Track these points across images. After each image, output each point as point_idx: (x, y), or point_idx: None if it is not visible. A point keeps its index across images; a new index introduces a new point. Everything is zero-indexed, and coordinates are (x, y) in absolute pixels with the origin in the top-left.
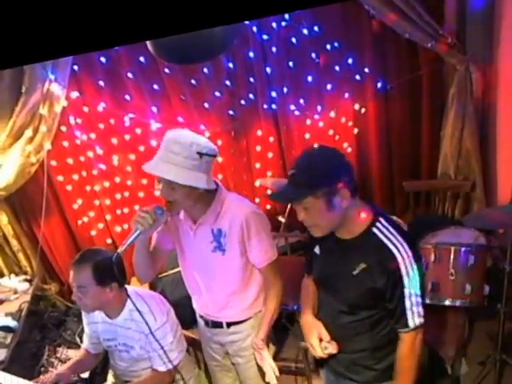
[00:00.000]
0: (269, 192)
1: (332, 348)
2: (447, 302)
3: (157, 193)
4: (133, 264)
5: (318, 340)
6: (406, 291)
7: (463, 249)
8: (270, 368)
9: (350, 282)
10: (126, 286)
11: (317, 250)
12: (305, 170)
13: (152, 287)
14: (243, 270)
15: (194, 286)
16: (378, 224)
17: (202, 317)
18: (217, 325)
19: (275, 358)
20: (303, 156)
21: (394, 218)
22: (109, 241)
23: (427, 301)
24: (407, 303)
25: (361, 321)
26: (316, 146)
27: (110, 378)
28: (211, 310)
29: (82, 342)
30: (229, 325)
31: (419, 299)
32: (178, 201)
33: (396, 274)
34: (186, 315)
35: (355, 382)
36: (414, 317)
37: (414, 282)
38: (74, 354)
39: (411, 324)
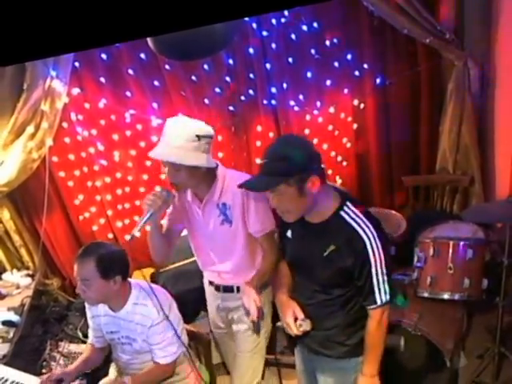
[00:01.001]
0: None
1: (306, 325)
2: (446, 296)
3: (163, 176)
4: (136, 257)
5: (293, 318)
6: (373, 270)
7: (462, 243)
8: (254, 305)
9: (322, 263)
10: (130, 279)
11: (289, 234)
12: (276, 159)
13: (153, 281)
14: (249, 238)
15: (206, 260)
16: (345, 208)
17: (212, 283)
18: (228, 289)
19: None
20: (274, 146)
21: (393, 212)
22: (110, 236)
23: (425, 294)
24: (374, 281)
25: (333, 299)
26: (285, 135)
27: (112, 372)
28: (225, 278)
29: (84, 336)
30: (239, 289)
31: (385, 277)
32: (183, 181)
33: (363, 254)
34: (187, 309)
35: (328, 357)
36: (381, 294)
37: (380, 262)
38: (75, 349)
39: (378, 301)
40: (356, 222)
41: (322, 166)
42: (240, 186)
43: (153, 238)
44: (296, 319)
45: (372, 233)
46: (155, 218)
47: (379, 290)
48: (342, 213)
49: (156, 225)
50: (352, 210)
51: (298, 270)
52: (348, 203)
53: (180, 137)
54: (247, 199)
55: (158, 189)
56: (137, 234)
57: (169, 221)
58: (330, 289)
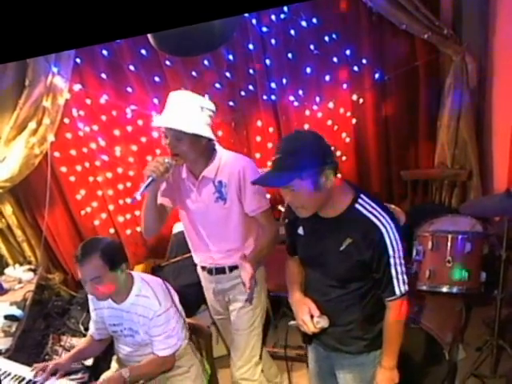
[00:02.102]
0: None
1: (324, 322)
2: (444, 289)
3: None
4: (135, 250)
5: (310, 316)
6: (391, 260)
7: (460, 236)
8: (249, 277)
9: (338, 257)
10: (132, 272)
11: (300, 230)
12: (289, 154)
13: (153, 275)
14: (242, 217)
15: (198, 241)
16: (359, 200)
17: (204, 268)
18: (220, 271)
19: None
20: (286, 141)
21: (392, 206)
22: (111, 230)
23: (424, 288)
24: (393, 272)
25: (350, 293)
26: (297, 130)
27: (114, 365)
28: (215, 259)
29: (85, 330)
30: (231, 269)
31: (403, 267)
32: (185, 151)
33: (381, 245)
34: (188, 303)
35: (347, 353)
36: (400, 284)
37: (398, 251)
38: (78, 342)
39: (397, 291)
40: (372, 213)
41: (336, 159)
42: (254, 183)
43: (148, 209)
44: (312, 317)
45: (389, 223)
46: (154, 189)
47: (398, 280)
48: (357, 205)
49: (155, 194)
50: (367, 202)
51: (312, 266)
52: (362, 195)
53: (183, 106)
54: (244, 180)
55: (161, 156)
56: (138, 197)
57: (161, 197)
58: (347, 283)
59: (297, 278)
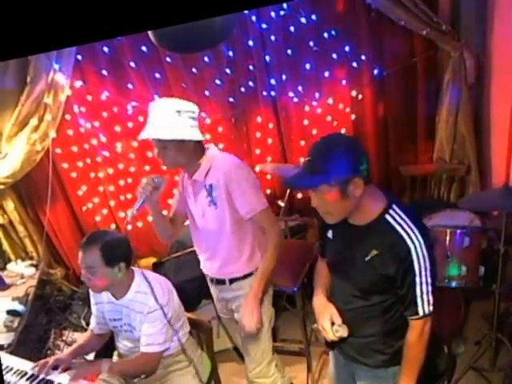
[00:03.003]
0: (268, 176)
1: (343, 331)
2: (443, 283)
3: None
4: (138, 247)
5: (330, 323)
6: (417, 279)
7: (459, 231)
8: (250, 318)
9: (362, 267)
10: (132, 267)
11: (329, 234)
12: (321, 158)
13: (155, 270)
14: (235, 223)
15: (200, 245)
16: (391, 211)
17: (207, 276)
18: (220, 282)
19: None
20: (319, 143)
21: None
22: (113, 226)
23: None
24: (417, 291)
25: (373, 306)
26: (333, 133)
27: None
28: (214, 268)
29: (87, 325)
30: (231, 281)
31: (430, 287)
32: (172, 158)
33: (407, 261)
34: (188, 298)
35: (365, 365)
36: (424, 305)
37: (425, 270)
38: (79, 337)
39: (421, 312)
40: (401, 226)
41: (369, 167)
42: (284, 183)
43: (155, 223)
44: (333, 324)
45: (418, 239)
46: (152, 204)
47: (422, 300)
48: (388, 216)
49: (155, 210)
50: (398, 214)
51: (337, 272)
52: (394, 206)
53: (161, 114)
54: (230, 181)
55: (150, 176)
56: (130, 217)
57: (174, 203)
58: (369, 295)
59: (323, 280)
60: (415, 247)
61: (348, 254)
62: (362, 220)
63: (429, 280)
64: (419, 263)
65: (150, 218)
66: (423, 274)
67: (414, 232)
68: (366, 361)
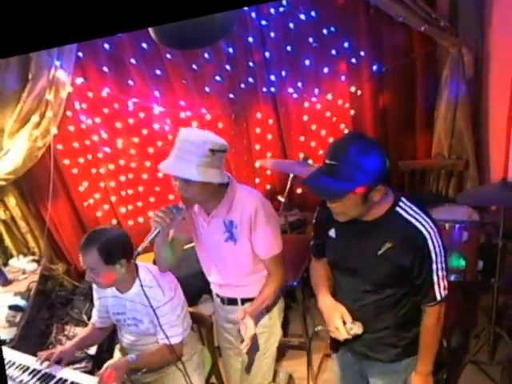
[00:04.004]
0: (268, 172)
1: (357, 329)
2: None
3: (174, 185)
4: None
5: (342, 322)
6: (434, 266)
7: (457, 225)
8: (248, 336)
9: (375, 261)
10: (137, 261)
11: (332, 233)
12: (348, 165)
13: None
14: (253, 257)
15: (209, 269)
16: (401, 203)
17: (218, 295)
18: (232, 302)
19: None
20: (343, 146)
21: None
22: (114, 221)
23: None
24: (435, 278)
25: (384, 299)
26: (353, 134)
27: (117, 354)
28: (226, 290)
29: (88, 319)
30: (243, 301)
31: (444, 272)
32: (194, 196)
33: (424, 250)
34: (190, 292)
35: (379, 361)
36: (441, 290)
37: (440, 257)
38: (81, 332)
39: (438, 297)
40: (415, 218)
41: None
42: (306, 187)
43: (159, 252)
44: (345, 323)
45: (432, 228)
46: (164, 234)
47: (439, 286)
48: (399, 209)
49: (163, 240)
50: (409, 206)
51: (344, 270)
52: (403, 199)
53: (192, 151)
54: (255, 221)
55: (169, 206)
56: (141, 249)
57: (175, 230)
58: (382, 288)
59: (325, 281)
60: (430, 236)
61: (357, 250)
62: (370, 216)
63: (444, 265)
64: (435, 251)
65: (150, 214)
66: (439, 260)
67: (427, 221)
68: (378, 356)
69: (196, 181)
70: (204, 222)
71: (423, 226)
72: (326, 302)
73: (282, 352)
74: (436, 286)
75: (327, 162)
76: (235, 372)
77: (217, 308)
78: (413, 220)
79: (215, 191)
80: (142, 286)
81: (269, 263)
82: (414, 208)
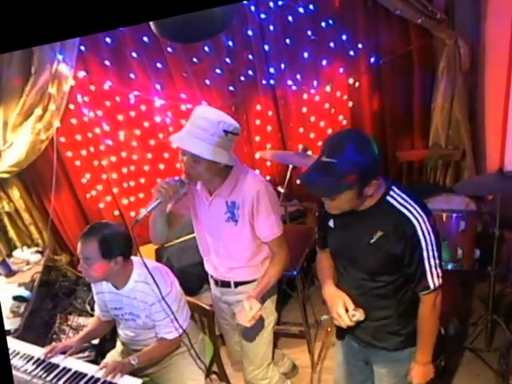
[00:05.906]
0: (268, 163)
1: (360, 315)
2: None
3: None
4: (142, 233)
5: (344, 309)
6: (425, 254)
7: (454, 215)
8: (247, 311)
9: (368, 250)
10: (132, 257)
11: (331, 223)
12: (344, 162)
13: (158, 256)
14: (253, 239)
15: (206, 249)
16: (391, 192)
17: (212, 277)
18: (225, 284)
19: (277, 322)
20: (339, 142)
21: None
22: (116, 213)
23: None
24: (426, 265)
25: (383, 287)
26: (349, 131)
27: (119, 345)
28: (220, 272)
29: (92, 310)
30: (236, 285)
31: (437, 261)
32: (200, 173)
33: (413, 239)
34: (191, 282)
35: (383, 349)
36: (434, 278)
37: (431, 245)
38: (84, 322)
39: (431, 285)
40: (404, 206)
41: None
42: (303, 185)
43: (155, 223)
44: (347, 310)
45: (421, 216)
46: (164, 206)
47: (431, 274)
48: (389, 198)
49: (162, 213)
50: (398, 195)
51: (343, 259)
52: (394, 188)
53: (207, 129)
54: (258, 203)
55: (174, 178)
56: (141, 216)
57: (174, 204)
58: (378, 276)
59: (329, 271)
60: (419, 223)
61: (352, 239)
62: (363, 205)
63: (435, 253)
64: (425, 238)
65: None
66: (429, 248)
67: (415, 209)
68: (382, 344)
69: (205, 158)
70: (206, 200)
71: (412, 213)
72: (329, 290)
73: (282, 340)
74: (428, 274)
75: (323, 159)
76: (235, 344)
77: (212, 288)
78: (402, 208)
79: (221, 171)
80: (150, 276)
81: (272, 245)
82: (404, 196)
